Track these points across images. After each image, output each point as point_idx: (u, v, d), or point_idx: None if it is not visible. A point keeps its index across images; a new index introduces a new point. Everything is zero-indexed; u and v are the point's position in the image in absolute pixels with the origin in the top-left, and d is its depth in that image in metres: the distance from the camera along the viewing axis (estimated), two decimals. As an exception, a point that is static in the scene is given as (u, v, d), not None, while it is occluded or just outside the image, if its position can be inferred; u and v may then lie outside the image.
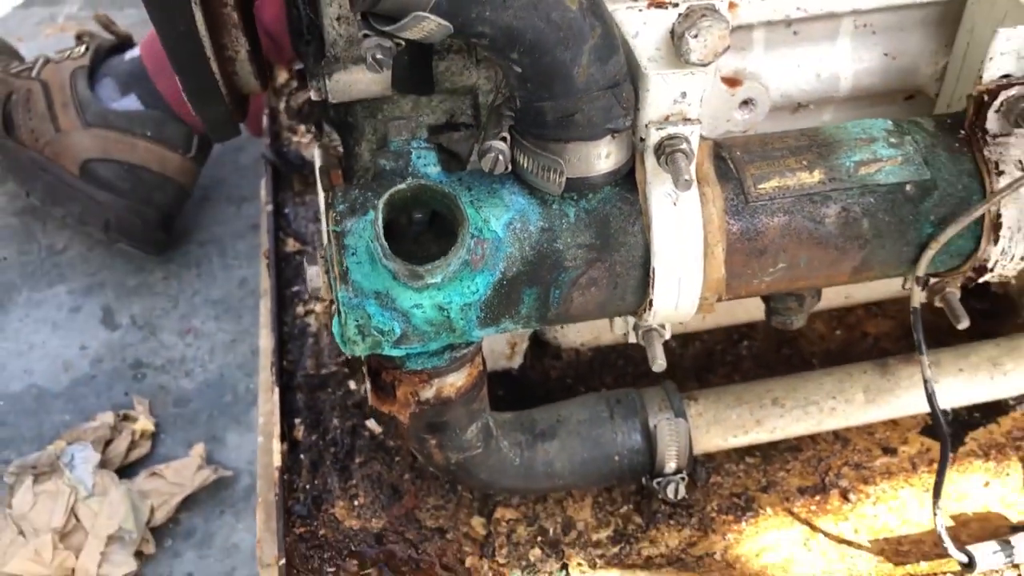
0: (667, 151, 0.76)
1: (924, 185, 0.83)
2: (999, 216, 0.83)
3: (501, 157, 0.76)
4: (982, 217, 0.84)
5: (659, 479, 1.03)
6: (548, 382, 1.25)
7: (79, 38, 1.85)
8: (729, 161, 0.83)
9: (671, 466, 1.02)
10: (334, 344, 1.30)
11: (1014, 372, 1.09)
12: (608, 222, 0.79)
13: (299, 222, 1.50)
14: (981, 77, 0.82)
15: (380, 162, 0.80)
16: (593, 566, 1.06)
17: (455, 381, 0.88)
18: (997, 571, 1.01)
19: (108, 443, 1.52)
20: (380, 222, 0.71)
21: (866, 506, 1.11)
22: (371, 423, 1.20)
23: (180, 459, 1.52)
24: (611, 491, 1.13)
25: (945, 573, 1.02)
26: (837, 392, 1.07)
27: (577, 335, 1.21)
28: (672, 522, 1.10)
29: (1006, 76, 0.82)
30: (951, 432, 1.18)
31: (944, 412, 1.19)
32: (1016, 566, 1.00)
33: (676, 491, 1.02)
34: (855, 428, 1.17)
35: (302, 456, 1.17)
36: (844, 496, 1.12)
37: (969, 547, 0.99)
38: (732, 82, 0.93)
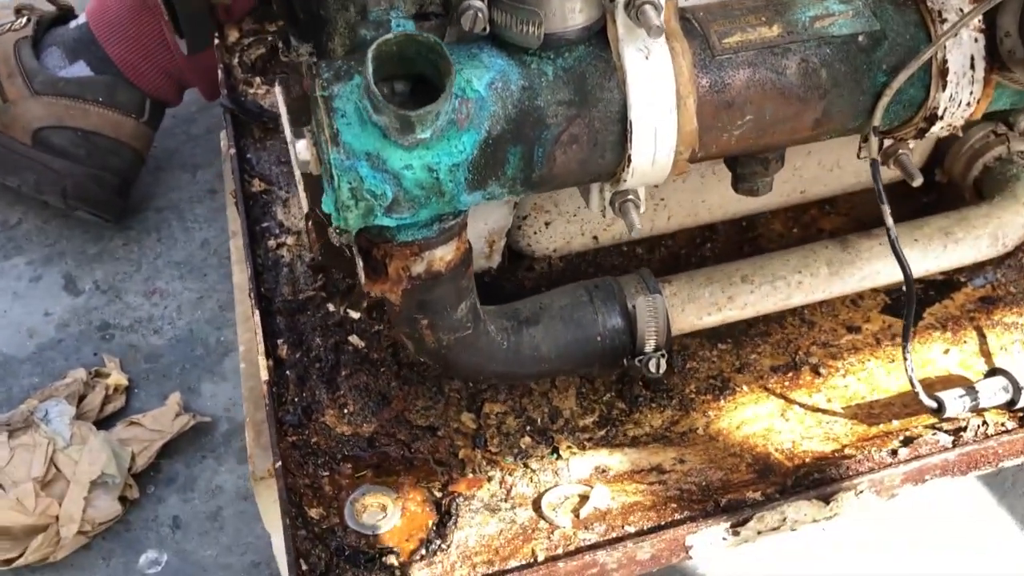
0: (637, 4, 0.80)
1: (875, 35, 0.88)
2: (945, 62, 0.88)
3: (480, 15, 0.79)
4: (930, 66, 0.89)
5: (641, 356, 1.06)
6: (522, 292, 1.28)
7: (18, 11, 1.84)
8: (693, 20, 0.87)
9: (651, 343, 1.06)
10: (310, 273, 1.32)
11: (965, 240, 1.15)
12: (585, 78, 0.83)
13: (262, 165, 1.51)
14: (920, -68, 0.88)
15: (361, 32, 0.83)
16: (582, 448, 1.09)
17: (444, 255, 0.90)
18: (963, 419, 1.07)
19: (82, 398, 1.51)
20: (370, 72, 0.73)
21: (836, 378, 1.16)
22: (354, 338, 1.22)
23: (157, 408, 1.52)
24: (592, 382, 1.16)
25: (916, 427, 1.08)
26: (802, 267, 1.12)
27: (550, 241, 1.24)
28: (654, 405, 1.14)
29: (944, -69, 0.88)
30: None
31: (899, 291, 1.25)
32: (980, 411, 1.07)
33: (658, 366, 1.06)
34: (820, 311, 1.23)
35: (288, 372, 1.18)
36: (815, 371, 1.17)
37: (937, 393, 1.05)
38: (688, -38, 0.98)
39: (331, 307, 1.27)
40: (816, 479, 1.02)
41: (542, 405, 1.14)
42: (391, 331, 1.17)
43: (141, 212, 1.90)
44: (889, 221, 0.96)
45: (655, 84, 0.83)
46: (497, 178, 0.84)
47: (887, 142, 0.99)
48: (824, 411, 1.12)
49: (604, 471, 1.06)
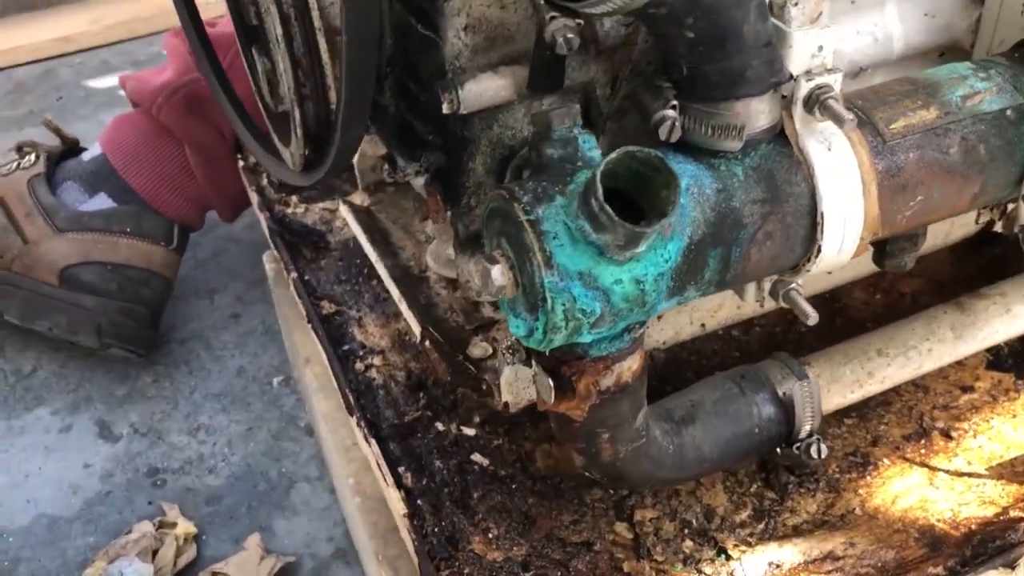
0: (819, 99, 0.81)
1: (1021, 108, 0.91)
2: (1088, 127, 0.92)
3: (676, 123, 0.79)
4: (1067, 131, 0.92)
5: (798, 444, 1.05)
6: (630, 389, 1.26)
7: (20, 149, 1.77)
8: (856, 110, 0.88)
9: (807, 428, 1.05)
10: (407, 392, 1.27)
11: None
12: (774, 175, 0.83)
13: (324, 286, 1.46)
14: (1044, 7, 0.92)
15: (547, 152, 0.82)
16: (749, 545, 1.06)
17: (632, 364, 0.88)
18: (1111, 467, 1.08)
19: (153, 553, 1.41)
20: (600, 192, 0.72)
21: (968, 439, 1.16)
22: (477, 456, 1.18)
23: (237, 553, 1.43)
24: (735, 474, 1.14)
25: (1066, 480, 1.09)
26: (929, 334, 1.13)
27: (660, 333, 1.23)
28: (803, 490, 1.12)
29: (1069, 3, 0.92)
30: (1013, 363, 1.27)
31: (999, 347, 1.28)
32: None
33: (819, 450, 1.04)
34: (930, 375, 1.24)
35: (419, 501, 1.12)
36: (946, 435, 1.17)
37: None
38: (811, 52, 1.00)
39: (441, 426, 1.22)
40: (996, 547, 1.01)
41: (693, 505, 1.11)
42: (555, 444, 1.13)
43: (165, 345, 1.82)
44: (1045, 283, 0.98)
45: (841, 175, 0.83)
46: (695, 282, 0.83)
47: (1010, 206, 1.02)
48: (969, 475, 1.12)
49: (779, 566, 1.04)
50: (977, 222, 1.05)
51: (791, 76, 0.81)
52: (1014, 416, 1.19)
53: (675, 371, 1.28)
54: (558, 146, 0.82)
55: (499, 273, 0.81)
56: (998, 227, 1.41)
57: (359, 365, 1.32)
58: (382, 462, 1.13)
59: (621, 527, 1.09)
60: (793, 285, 0.94)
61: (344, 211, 1.41)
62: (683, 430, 1.02)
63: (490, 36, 0.87)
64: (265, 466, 1.60)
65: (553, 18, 0.73)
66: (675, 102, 0.80)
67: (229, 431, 1.66)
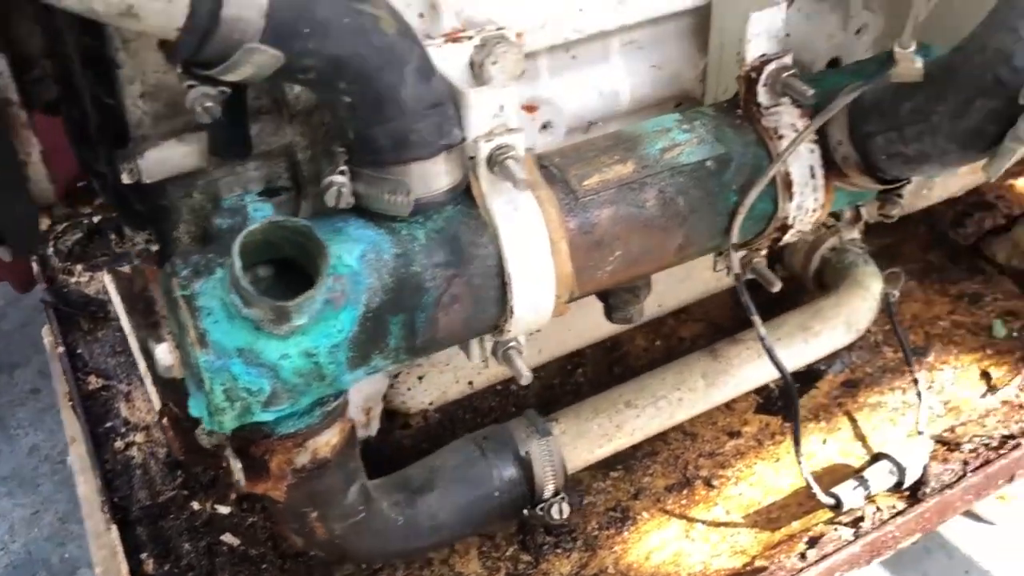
0: (499, 160, 0.80)
1: (721, 159, 0.92)
2: (789, 175, 0.92)
3: (344, 190, 0.77)
4: (775, 180, 0.93)
5: (541, 505, 1.02)
6: (402, 453, 1.22)
7: None
8: (551, 167, 0.88)
9: (550, 488, 1.02)
10: (166, 470, 1.21)
11: (823, 332, 1.20)
12: (458, 237, 0.81)
13: (96, 359, 1.39)
14: (744, 60, 0.93)
15: (215, 222, 0.78)
16: (497, 611, 1.03)
17: (329, 439, 0.84)
18: (858, 509, 1.08)
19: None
20: (239, 267, 0.68)
21: (729, 488, 1.16)
22: (227, 536, 1.12)
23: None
24: (493, 537, 1.11)
25: (816, 524, 1.08)
26: (680, 383, 1.12)
27: (425, 395, 1.20)
28: (559, 551, 1.10)
29: (763, 55, 0.93)
30: (781, 404, 1.27)
31: (768, 388, 1.29)
32: (872, 499, 1.09)
33: (560, 511, 1.02)
34: (699, 421, 1.23)
35: (159, 588, 1.06)
36: (708, 484, 1.17)
37: (832, 489, 1.06)
38: (530, 108, 0.99)
39: (196, 505, 1.17)
40: (738, 599, 1.00)
41: (446, 574, 1.07)
42: (273, 525, 1.08)
43: (-47, 425, 1.72)
44: (762, 331, 0.98)
45: (527, 235, 0.82)
46: (380, 351, 0.80)
47: (740, 253, 1.02)
48: (726, 524, 1.11)
49: (524, 632, 1.01)
50: (714, 270, 1.05)
51: (463, 138, 0.79)
52: (777, 460, 1.19)
53: (450, 430, 1.25)
54: (226, 215, 0.79)
55: (164, 352, 0.77)
56: (778, 269, 1.42)
57: (119, 443, 1.25)
58: (119, 549, 1.07)
59: (372, 601, 1.05)
60: (512, 344, 0.92)
61: (107, 280, 1.35)
62: (418, 500, 0.98)
63: (171, 103, 0.83)
64: (47, 552, 1.51)
65: (191, 87, 0.69)
66: (344, 167, 0.77)
67: (12, 516, 1.57)
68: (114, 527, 1.10)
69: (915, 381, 1.22)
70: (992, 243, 1.46)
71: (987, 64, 0.78)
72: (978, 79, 0.79)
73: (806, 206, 0.95)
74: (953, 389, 1.27)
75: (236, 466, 0.83)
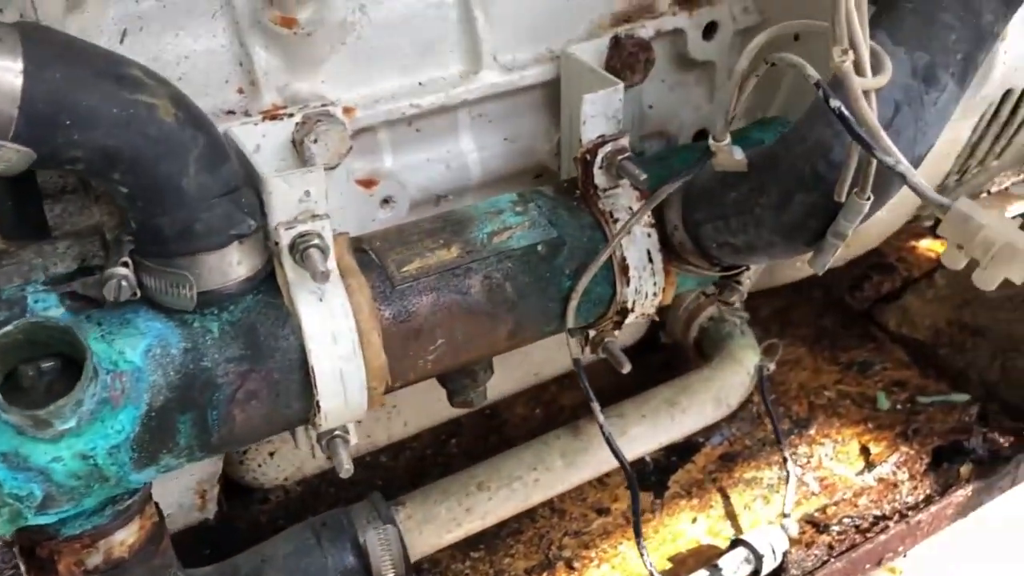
0: (301, 248, 0.76)
1: (553, 243, 0.88)
2: (624, 259, 0.90)
3: (124, 283, 0.73)
4: (612, 263, 0.90)
5: (380, 593, 0.98)
6: (259, 528, 1.18)
7: None
8: (370, 252, 0.84)
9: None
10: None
11: (691, 408, 1.17)
12: (256, 330, 0.77)
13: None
14: (581, 141, 0.90)
15: (-8, 315, 0.74)
16: None
17: (125, 538, 0.80)
18: (714, 597, 1.05)
19: None
20: (-11, 371, 0.64)
21: (591, 570, 1.12)
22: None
23: None
24: (340, 624, 1.06)
25: (671, 613, 1.05)
26: (537, 463, 1.09)
27: (278, 471, 1.16)
28: (407, 637, 1.05)
29: (601, 136, 0.90)
30: (656, 480, 1.24)
31: (644, 461, 1.25)
32: (729, 588, 1.05)
33: (399, 601, 0.98)
34: (568, 497, 1.20)
35: None
36: (569, 566, 1.13)
37: (683, 580, 1.03)
38: (368, 183, 0.96)
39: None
40: None
41: (285, 664, 1.02)
42: None
43: None
44: (600, 418, 0.95)
45: (333, 326, 0.78)
46: (170, 450, 0.76)
47: (592, 332, 0.99)
48: (582, 610, 1.08)
49: None
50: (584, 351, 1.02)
51: (258, 227, 0.76)
52: (644, 540, 1.15)
53: (311, 505, 1.21)
54: (3, 307, 0.74)
55: (-68, 452, 0.72)
56: (662, 336, 1.40)
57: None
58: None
59: None
60: (337, 433, 0.88)
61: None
62: (246, 590, 0.94)
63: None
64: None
65: (-54, 177, 0.66)
66: (127, 258, 0.74)
67: None
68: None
69: (784, 460, 1.19)
70: (884, 309, 1.44)
71: (806, 157, 0.76)
72: (798, 172, 0.77)
73: (644, 290, 0.92)
74: (831, 464, 1.24)
75: (22, 568, 0.79)
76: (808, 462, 1.25)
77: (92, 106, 0.66)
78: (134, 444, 0.73)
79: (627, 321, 0.94)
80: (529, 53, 0.99)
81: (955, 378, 1.34)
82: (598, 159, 0.90)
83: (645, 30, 1.02)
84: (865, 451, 1.26)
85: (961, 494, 1.16)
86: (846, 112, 0.66)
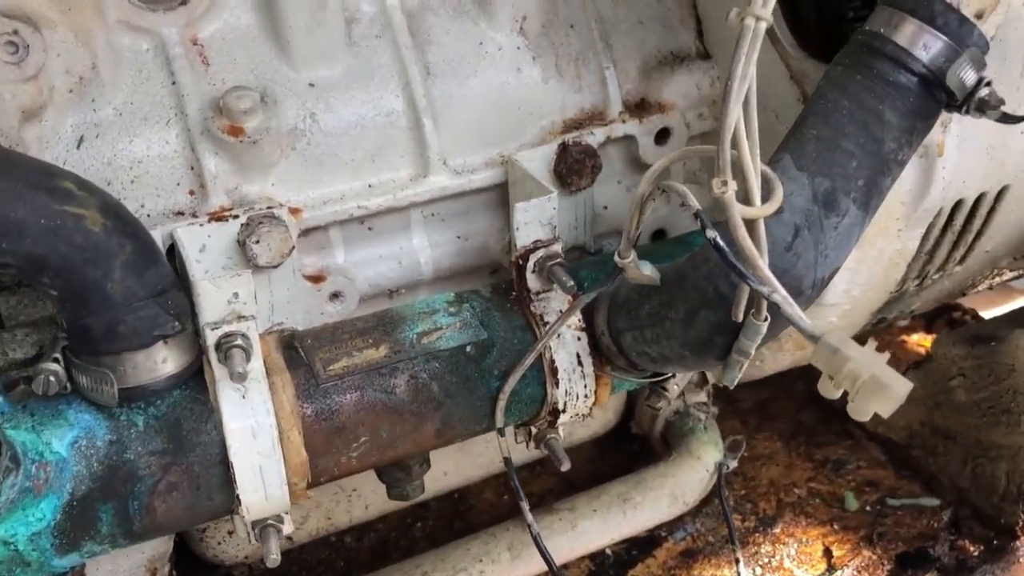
0: (225, 348, 0.80)
1: (482, 344, 0.91)
2: (553, 362, 0.92)
3: (52, 378, 0.78)
4: (543, 365, 0.92)
5: None
6: (221, 605, 1.21)
7: None
8: (300, 350, 0.88)
9: (326, 664, 1.00)
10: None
11: (644, 504, 1.17)
12: (180, 425, 0.81)
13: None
14: (515, 246, 0.93)
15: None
16: None
17: (58, 619, 0.84)
18: None
19: None
20: (-93, 461, 0.69)
21: (538, 667, 1.13)
22: None
23: None
24: None
25: None
26: (483, 555, 1.10)
27: (237, 549, 1.19)
28: None
29: (536, 241, 0.93)
30: (614, 574, 1.24)
31: (604, 554, 1.26)
32: None
33: None
34: (523, 588, 1.21)
35: None
36: (517, 657, 1.13)
37: None
38: (316, 279, 1.00)
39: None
40: None
41: None
42: None
43: None
44: (529, 518, 0.97)
45: (253, 422, 0.82)
46: (92, 537, 0.79)
47: (534, 429, 1.01)
48: None
49: None
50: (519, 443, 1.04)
51: (182, 329, 0.80)
52: (594, 635, 1.15)
53: (273, 585, 1.23)
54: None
55: None
56: (632, 426, 1.41)
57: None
58: None
59: None
60: (270, 523, 0.91)
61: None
62: (181, 671, 0.97)
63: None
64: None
65: None
66: (58, 354, 0.78)
67: None
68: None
69: (736, 561, 1.19)
70: (860, 407, 1.43)
71: (709, 277, 0.78)
72: (703, 291, 0.79)
73: (575, 391, 0.94)
74: (791, 565, 1.23)
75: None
76: (769, 562, 1.24)
77: (21, 218, 0.71)
78: (55, 531, 0.77)
79: (560, 422, 0.96)
80: (480, 157, 1.03)
81: (928, 481, 1.32)
82: (530, 264, 0.93)
83: (594, 137, 1.05)
84: (828, 553, 1.24)
85: (919, 604, 1.15)
86: (720, 242, 0.68)
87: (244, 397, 0.82)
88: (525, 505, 0.97)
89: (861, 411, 0.66)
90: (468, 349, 0.91)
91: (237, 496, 0.83)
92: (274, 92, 0.94)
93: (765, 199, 0.71)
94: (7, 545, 0.76)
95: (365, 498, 1.24)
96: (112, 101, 0.89)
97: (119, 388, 0.79)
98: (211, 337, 0.81)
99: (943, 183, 1.00)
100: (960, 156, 1.00)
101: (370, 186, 1.00)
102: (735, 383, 0.81)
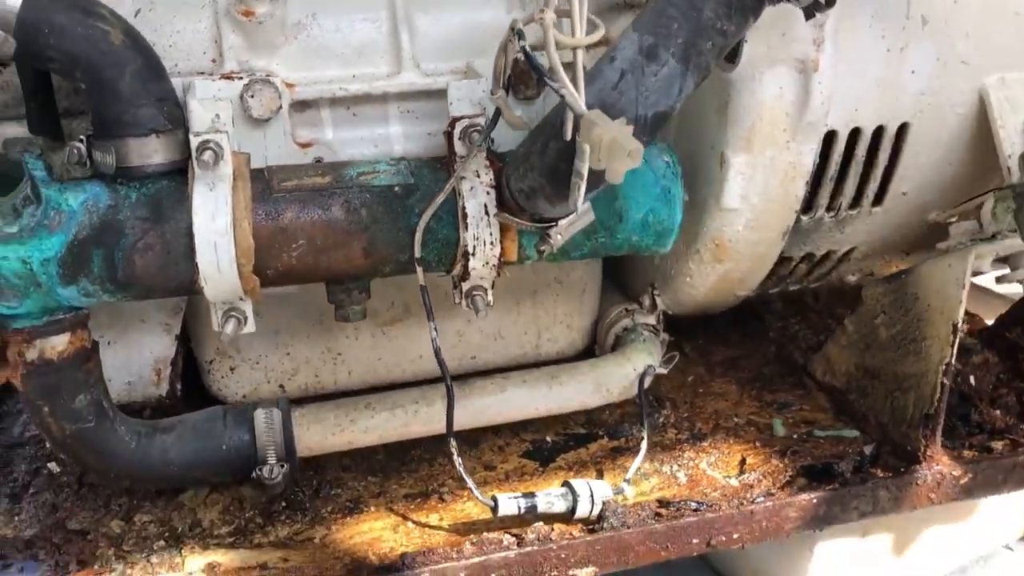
0: (201, 151, 1.07)
1: (409, 187, 1.15)
2: (464, 208, 1.13)
3: (75, 151, 1.07)
4: (456, 213, 1.14)
5: (260, 466, 1.22)
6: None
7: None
8: (265, 172, 1.14)
9: (271, 454, 1.22)
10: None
11: (569, 384, 1.34)
12: (161, 202, 1.08)
13: None
14: (449, 117, 1.17)
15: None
16: (205, 549, 1.22)
17: (56, 344, 1.11)
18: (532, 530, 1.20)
19: None
20: (-35, 175, 0.99)
21: (458, 504, 1.30)
22: (52, 465, 1.39)
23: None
24: (242, 501, 1.31)
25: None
26: (420, 398, 1.30)
27: (238, 386, 1.43)
28: (285, 519, 1.28)
29: (462, 116, 1.16)
30: (547, 455, 1.40)
31: (544, 440, 1.43)
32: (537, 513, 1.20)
33: (272, 471, 1.21)
34: (468, 454, 1.39)
35: (-27, 484, 1.34)
36: (441, 499, 1.31)
37: (495, 494, 1.19)
38: (306, 145, 1.26)
39: (48, 446, 1.44)
40: (382, 568, 1.14)
41: (187, 517, 1.28)
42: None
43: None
44: (434, 333, 1.16)
45: (213, 207, 1.07)
46: (86, 275, 1.07)
47: (466, 286, 1.21)
48: (430, 526, 1.25)
49: (214, 567, 1.19)
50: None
51: (170, 128, 1.08)
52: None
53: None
54: (6, 163, 1.10)
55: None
56: (596, 349, 1.57)
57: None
58: (-37, 451, 1.36)
59: (116, 524, 1.27)
60: (233, 312, 1.15)
61: None
62: (156, 435, 1.22)
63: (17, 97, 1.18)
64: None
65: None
66: (83, 136, 1.08)
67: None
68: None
69: (643, 433, 1.32)
70: (813, 359, 1.54)
71: (559, 112, 0.98)
72: (552, 123, 1.00)
73: (482, 237, 1.14)
74: (705, 467, 1.35)
75: (-14, 353, 1.11)
76: (687, 463, 1.37)
77: (63, 23, 1.02)
78: (60, 262, 1.05)
79: (472, 266, 1.17)
80: (447, 65, 1.28)
81: (859, 423, 1.41)
82: (456, 131, 1.16)
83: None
84: (743, 462, 1.36)
85: (804, 497, 1.24)
86: (528, 50, 0.90)
87: (211, 190, 1.09)
88: (432, 324, 1.17)
89: (612, 171, 0.85)
90: (396, 188, 1.15)
91: (196, 264, 1.08)
92: (286, -7, 1.24)
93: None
94: (24, 264, 1.04)
95: (348, 364, 1.47)
96: (164, -15, 1.21)
97: (119, 166, 1.07)
98: (194, 141, 1.08)
99: (822, 98, 1.16)
100: (840, 78, 1.16)
101: (353, 76, 1.26)
102: (578, 205, 1.00)
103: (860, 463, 1.31)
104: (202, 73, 1.21)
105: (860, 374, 1.42)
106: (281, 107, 1.21)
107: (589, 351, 1.56)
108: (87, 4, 1.05)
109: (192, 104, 1.09)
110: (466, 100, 1.18)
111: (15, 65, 1.12)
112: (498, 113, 1.06)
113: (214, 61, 1.22)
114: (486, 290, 1.22)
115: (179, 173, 1.11)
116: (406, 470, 1.37)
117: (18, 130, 1.18)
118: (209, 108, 1.10)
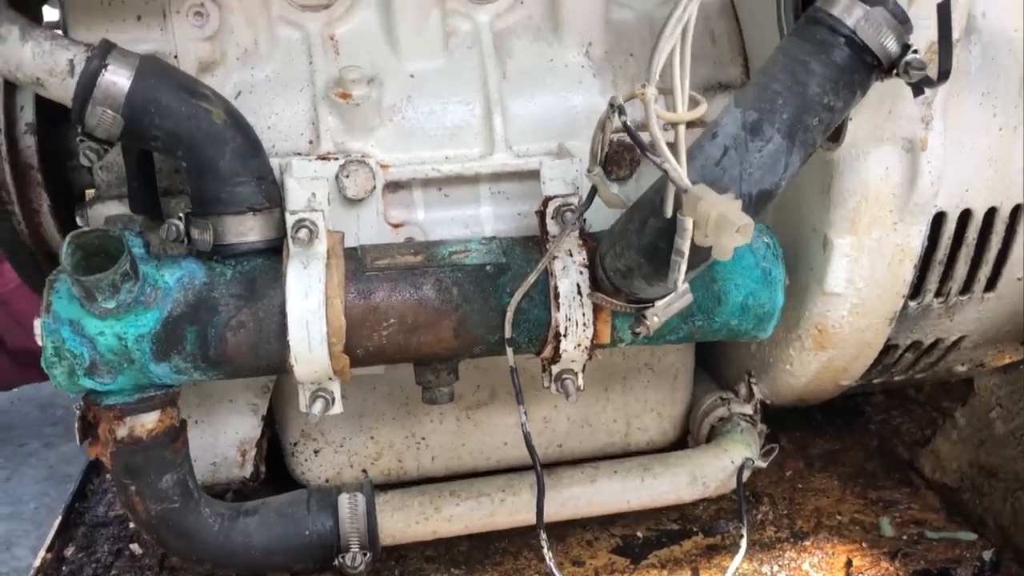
0: (297, 228, 1.08)
1: (500, 266, 1.13)
2: (557, 288, 1.11)
3: (174, 228, 1.08)
4: (549, 293, 1.11)
5: (343, 553, 1.19)
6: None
7: None
8: (359, 250, 1.14)
9: (355, 541, 1.19)
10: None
11: (663, 476, 1.28)
12: (255, 280, 1.08)
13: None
14: (542, 196, 1.15)
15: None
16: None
17: (146, 423, 1.10)
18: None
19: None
20: (65, 252, 1.00)
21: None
22: (134, 546, 1.37)
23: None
24: (318, 587, 1.27)
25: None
26: (507, 487, 1.26)
27: (320, 469, 1.41)
28: (365, 608, 1.23)
29: (556, 195, 1.15)
30: (639, 551, 1.34)
31: (635, 536, 1.36)
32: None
33: (354, 560, 1.17)
34: (555, 548, 1.33)
35: (63, 567, 1.32)
36: (531, 598, 1.25)
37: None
38: (397, 226, 1.26)
39: (131, 525, 1.43)
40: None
41: (266, 603, 1.24)
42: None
43: None
44: (523, 417, 1.12)
45: (306, 285, 1.07)
46: (179, 352, 1.06)
47: (556, 369, 1.18)
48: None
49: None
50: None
51: (267, 206, 1.08)
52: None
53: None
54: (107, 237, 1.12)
55: (37, 326, 1.09)
56: (689, 440, 1.51)
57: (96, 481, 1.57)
58: (49, 536, 1.35)
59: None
60: (321, 393, 1.13)
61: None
62: (239, 518, 1.19)
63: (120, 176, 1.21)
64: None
65: (81, 141, 1.06)
66: (182, 214, 1.09)
67: None
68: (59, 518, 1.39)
69: (741, 531, 1.25)
70: (921, 455, 1.45)
71: (658, 190, 0.96)
72: (651, 201, 0.97)
73: (574, 318, 1.11)
74: (809, 569, 1.27)
75: (76, 424, 1.11)
76: (788, 563, 1.28)
77: (168, 103, 1.04)
78: (154, 339, 1.05)
79: (563, 347, 1.13)
80: (540, 146, 1.27)
81: (976, 525, 1.32)
82: (549, 210, 1.14)
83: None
84: (848, 564, 1.27)
85: (921, 606, 1.15)
86: (627, 122, 0.88)
87: (305, 268, 1.08)
88: (522, 408, 1.13)
89: (720, 248, 0.81)
90: (487, 268, 1.13)
91: (287, 341, 1.07)
92: (382, 76, 1.25)
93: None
94: (120, 340, 1.04)
95: (432, 450, 1.43)
96: (265, 70, 1.23)
97: (215, 244, 1.08)
98: (290, 219, 1.08)
99: (931, 178, 1.11)
100: (949, 157, 1.11)
101: (446, 157, 1.26)
102: (678, 285, 0.96)
103: (980, 569, 1.21)
104: (299, 154, 1.23)
105: (975, 472, 1.32)
106: (375, 187, 1.21)
107: (680, 442, 1.50)
108: (192, 84, 1.08)
109: (289, 183, 1.10)
110: (559, 180, 1.17)
111: (120, 145, 1.15)
112: (593, 191, 1.04)
113: (311, 142, 1.23)
114: (577, 374, 1.18)
115: (274, 251, 1.11)
116: (490, 563, 1.32)
117: (120, 208, 1.20)
118: (306, 187, 1.10)
